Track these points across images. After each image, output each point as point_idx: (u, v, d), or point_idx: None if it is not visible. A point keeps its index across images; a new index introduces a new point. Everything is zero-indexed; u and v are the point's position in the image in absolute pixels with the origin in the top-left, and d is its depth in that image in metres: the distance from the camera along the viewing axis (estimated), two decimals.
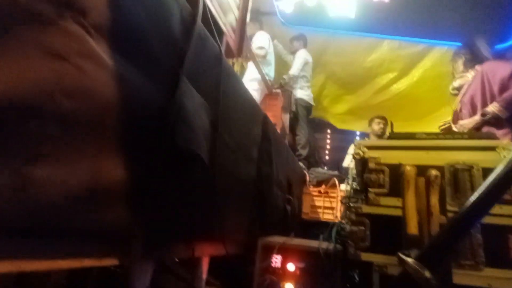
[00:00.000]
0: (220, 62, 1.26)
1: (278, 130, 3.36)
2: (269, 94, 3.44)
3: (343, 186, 2.83)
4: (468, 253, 1.16)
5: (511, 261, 1.15)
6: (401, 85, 4.14)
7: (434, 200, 1.03)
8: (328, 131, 5.28)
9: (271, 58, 3.67)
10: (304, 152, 3.51)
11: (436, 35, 3.78)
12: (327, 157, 5.19)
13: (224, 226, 1.44)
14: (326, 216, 2.87)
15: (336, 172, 3.09)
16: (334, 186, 2.93)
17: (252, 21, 3.12)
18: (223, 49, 1.77)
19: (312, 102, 3.89)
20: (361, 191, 1.42)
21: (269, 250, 1.66)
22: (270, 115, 3.52)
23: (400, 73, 4.13)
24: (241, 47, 1.98)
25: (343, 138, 4.88)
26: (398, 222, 1.20)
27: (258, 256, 1.68)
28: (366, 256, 1.28)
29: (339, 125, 4.81)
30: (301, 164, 3.29)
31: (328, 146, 5.33)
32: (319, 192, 2.96)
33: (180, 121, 0.98)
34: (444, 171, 1.25)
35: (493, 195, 0.93)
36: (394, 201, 1.27)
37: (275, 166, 1.94)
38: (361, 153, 1.42)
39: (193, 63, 1.08)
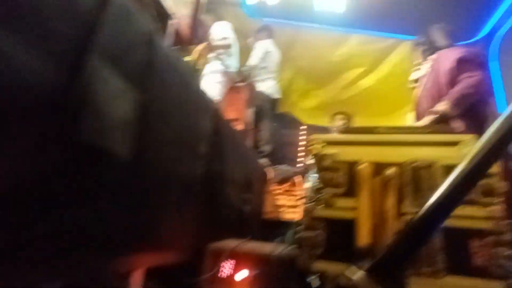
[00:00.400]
0: (152, 43, 1.07)
1: (241, 125, 3.19)
2: (232, 87, 3.27)
3: (307, 184, 2.71)
4: (426, 260, 1.05)
5: (473, 267, 1.05)
6: (369, 80, 4.09)
7: (390, 203, 0.90)
8: (303, 127, 5.16)
9: (235, 48, 3.49)
10: (267, 148, 3.36)
11: (409, 30, 3.68)
12: (299, 154, 5.08)
13: (162, 232, 1.26)
14: (290, 215, 2.75)
15: (299, 169, 2.97)
16: (298, 184, 2.81)
17: (208, 12, 2.92)
18: (169, 34, 1.58)
19: (276, 96, 3.72)
20: (318, 191, 1.28)
21: (219, 257, 1.50)
22: (232, 109, 3.35)
23: (369, 68, 4.08)
24: (194, 35, 1.80)
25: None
26: (355, 226, 1.08)
27: (206, 263, 1.52)
28: (319, 265, 1.14)
29: (308, 121, 4.72)
30: (264, 160, 3.15)
31: (301, 143, 5.22)
32: (282, 190, 2.83)
33: (86, 109, 0.79)
34: (404, 169, 1.14)
35: (455, 195, 0.80)
36: (351, 203, 1.14)
37: (228, 164, 1.77)
38: (317, 149, 1.28)
39: (111, 40, 0.89)
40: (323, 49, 4.03)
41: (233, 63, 3.45)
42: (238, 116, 3.16)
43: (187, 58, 3.30)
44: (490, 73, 3.15)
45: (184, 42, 1.80)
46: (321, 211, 1.18)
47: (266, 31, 3.82)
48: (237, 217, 2.06)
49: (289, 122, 4.96)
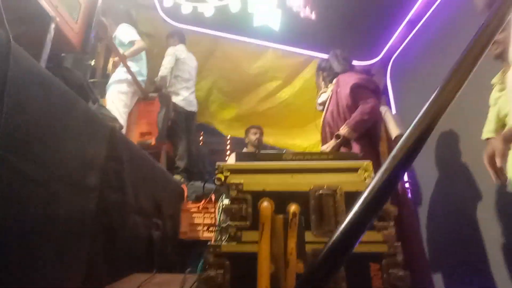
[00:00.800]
0: (8, 54, 0.85)
1: (153, 141, 2.97)
2: (143, 99, 3.01)
3: (225, 201, 2.62)
4: None
5: None
6: (284, 94, 4.22)
7: (292, 245, 0.86)
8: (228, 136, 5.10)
9: (142, 52, 3.21)
10: (182, 164, 3.17)
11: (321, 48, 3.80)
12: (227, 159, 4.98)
13: (42, 282, 1.03)
14: (206, 234, 2.63)
15: (215, 186, 2.86)
16: (215, 201, 2.71)
17: (105, 15, 2.64)
18: (50, 39, 1.33)
19: (191, 107, 3.55)
20: (224, 224, 1.19)
21: None
22: (145, 123, 3.10)
23: (284, 82, 4.20)
24: (86, 40, 1.57)
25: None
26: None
27: None
28: None
29: (227, 132, 4.67)
30: (179, 177, 2.97)
31: (228, 152, 5.16)
32: (199, 208, 2.70)
33: None
34: (308, 198, 1.13)
35: (361, 224, 0.80)
36: (257, 237, 1.09)
37: (131, 191, 1.58)
38: (222, 178, 1.20)
39: None
40: (241, 61, 4.03)
41: (141, 70, 3.17)
42: (151, 130, 2.93)
43: (91, 63, 2.94)
44: (386, 95, 3.49)
45: (73, 48, 1.56)
46: (227, 247, 1.10)
47: (177, 36, 3.60)
48: (145, 246, 1.86)
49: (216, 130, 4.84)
